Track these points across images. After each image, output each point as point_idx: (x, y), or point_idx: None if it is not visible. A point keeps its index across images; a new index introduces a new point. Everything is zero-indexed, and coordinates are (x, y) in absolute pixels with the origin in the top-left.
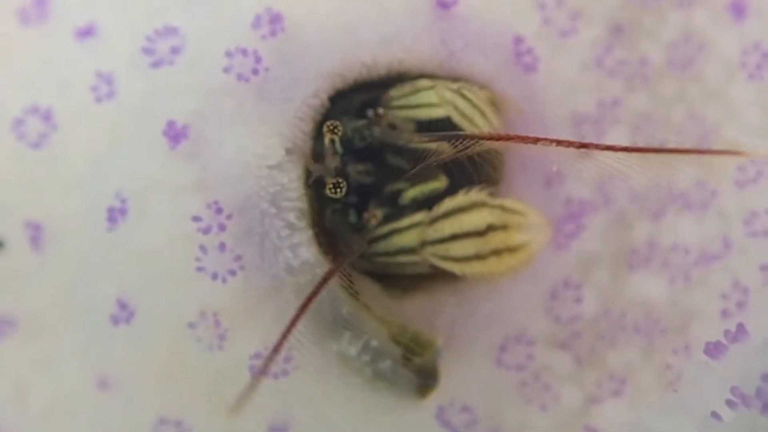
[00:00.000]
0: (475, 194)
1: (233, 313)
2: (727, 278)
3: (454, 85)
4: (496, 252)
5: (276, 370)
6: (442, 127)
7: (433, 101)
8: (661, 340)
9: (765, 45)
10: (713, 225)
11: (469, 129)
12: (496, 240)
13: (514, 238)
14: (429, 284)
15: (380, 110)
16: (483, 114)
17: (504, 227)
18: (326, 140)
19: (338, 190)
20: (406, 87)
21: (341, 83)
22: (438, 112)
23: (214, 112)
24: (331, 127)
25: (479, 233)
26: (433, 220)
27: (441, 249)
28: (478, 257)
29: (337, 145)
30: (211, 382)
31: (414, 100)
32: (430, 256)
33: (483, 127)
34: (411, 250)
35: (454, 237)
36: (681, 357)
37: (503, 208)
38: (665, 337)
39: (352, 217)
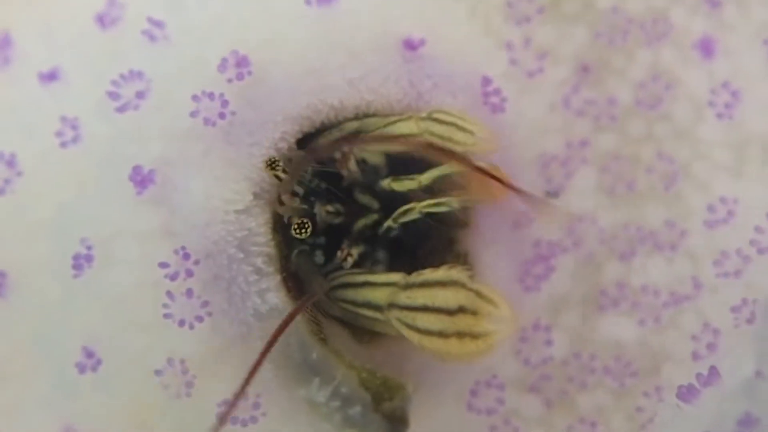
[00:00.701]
0: (456, 272)
1: (201, 360)
2: (697, 320)
3: (424, 113)
4: (460, 334)
5: (244, 417)
6: (413, 158)
7: (412, 131)
8: (632, 382)
9: (734, 84)
10: (683, 266)
11: (451, 147)
12: (463, 323)
13: (481, 325)
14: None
15: (346, 149)
16: (460, 127)
17: (474, 312)
18: (270, 176)
19: (303, 231)
20: (381, 119)
21: (309, 126)
22: (413, 144)
23: (181, 157)
24: (269, 163)
25: (449, 312)
26: (408, 286)
27: (408, 316)
28: (441, 335)
29: (295, 186)
30: (178, 430)
31: (391, 129)
32: (395, 319)
33: (464, 140)
34: (377, 307)
35: (425, 308)
36: (653, 399)
37: (478, 294)
38: (636, 379)
39: (319, 258)
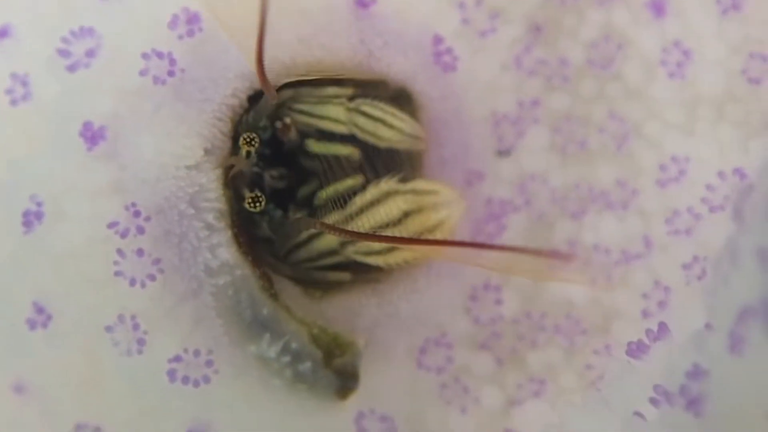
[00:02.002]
0: (385, 184)
1: (152, 317)
2: (648, 278)
3: (352, 104)
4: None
5: (197, 377)
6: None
7: (339, 117)
8: (582, 340)
9: (685, 43)
10: (634, 224)
11: (374, 143)
12: (414, 225)
13: (431, 218)
14: (349, 286)
15: (287, 120)
16: (387, 123)
17: (419, 210)
18: (243, 152)
19: (257, 204)
20: (314, 95)
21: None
22: (340, 129)
23: (132, 114)
24: (248, 139)
25: (396, 222)
26: (349, 219)
27: (362, 246)
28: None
29: (253, 155)
30: (129, 386)
31: (319, 110)
32: (353, 254)
33: (390, 136)
34: (333, 252)
35: (374, 231)
36: (602, 357)
37: (415, 192)
38: (586, 337)
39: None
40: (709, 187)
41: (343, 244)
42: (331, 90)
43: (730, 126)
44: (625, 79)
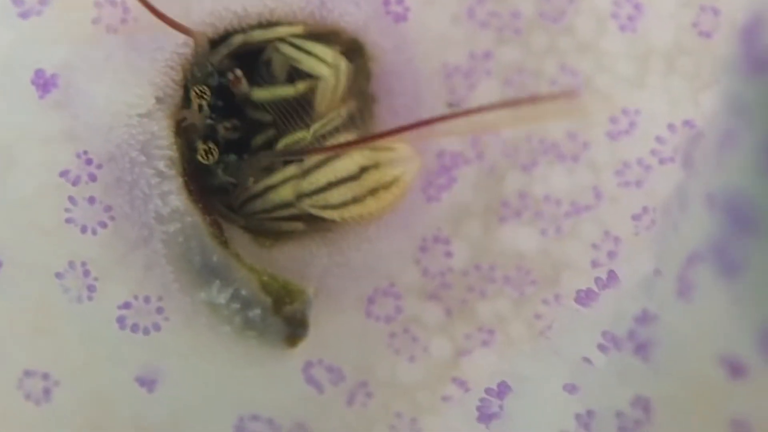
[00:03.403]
0: (342, 138)
1: (102, 264)
2: (598, 228)
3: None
4: (373, 191)
5: (146, 324)
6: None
7: (327, 59)
8: (531, 290)
9: None
10: (585, 176)
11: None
12: (370, 180)
13: (387, 174)
14: (300, 234)
15: (238, 72)
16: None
17: (376, 166)
18: (194, 105)
19: (210, 156)
20: (265, 36)
21: (212, 32)
22: (324, 71)
23: (84, 62)
24: (199, 92)
25: (353, 177)
26: (307, 172)
27: (319, 199)
28: (356, 200)
29: (205, 108)
30: (80, 332)
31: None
32: (309, 207)
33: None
34: (288, 205)
35: (330, 185)
36: (551, 307)
37: (372, 147)
38: (536, 287)
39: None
40: (659, 139)
41: (299, 197)
42: (283, 29)
43: (680, 78)
44: (576, 32)
